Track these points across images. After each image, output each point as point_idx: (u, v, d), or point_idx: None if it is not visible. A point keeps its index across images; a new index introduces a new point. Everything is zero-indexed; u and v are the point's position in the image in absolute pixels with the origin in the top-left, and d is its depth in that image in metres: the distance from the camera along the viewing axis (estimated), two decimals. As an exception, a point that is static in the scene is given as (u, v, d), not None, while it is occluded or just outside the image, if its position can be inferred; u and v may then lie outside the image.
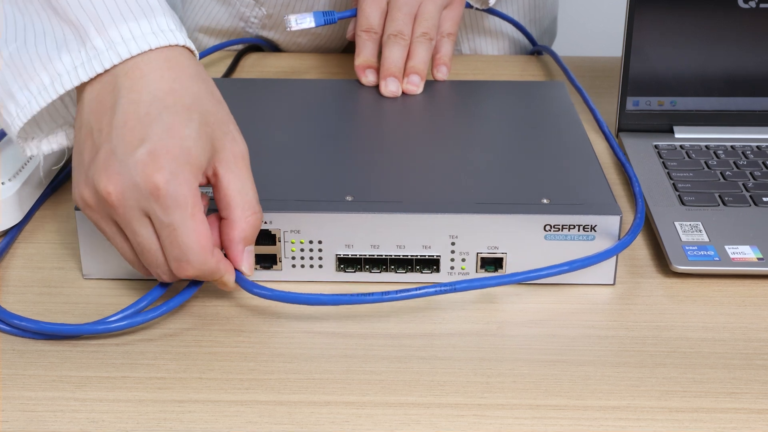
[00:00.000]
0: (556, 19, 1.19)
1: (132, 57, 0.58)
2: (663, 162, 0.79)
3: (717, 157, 0.80)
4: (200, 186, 0.57)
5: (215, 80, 0.74)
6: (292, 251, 0.64)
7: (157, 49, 0.58)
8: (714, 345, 0.59)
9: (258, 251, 0.64)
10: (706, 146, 0.82)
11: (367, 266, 0.65)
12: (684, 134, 0.84)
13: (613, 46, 0.98)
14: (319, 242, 0.64)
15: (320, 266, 0.65)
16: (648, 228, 0.72)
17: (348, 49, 1.12)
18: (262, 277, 0.65)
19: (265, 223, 0.64)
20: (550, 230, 0.63)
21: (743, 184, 0.75)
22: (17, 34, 0.60)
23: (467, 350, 0.59)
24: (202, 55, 1.04)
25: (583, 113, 0.87)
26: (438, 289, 0.60)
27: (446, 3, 0.91)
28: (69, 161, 0.80)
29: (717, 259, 0.66)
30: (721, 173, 0.77)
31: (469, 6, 1.01)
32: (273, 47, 1.12)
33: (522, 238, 0.64)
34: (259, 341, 0.60)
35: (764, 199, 0.73)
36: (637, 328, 0.61)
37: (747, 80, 0.84)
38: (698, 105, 0.85)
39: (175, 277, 0.59)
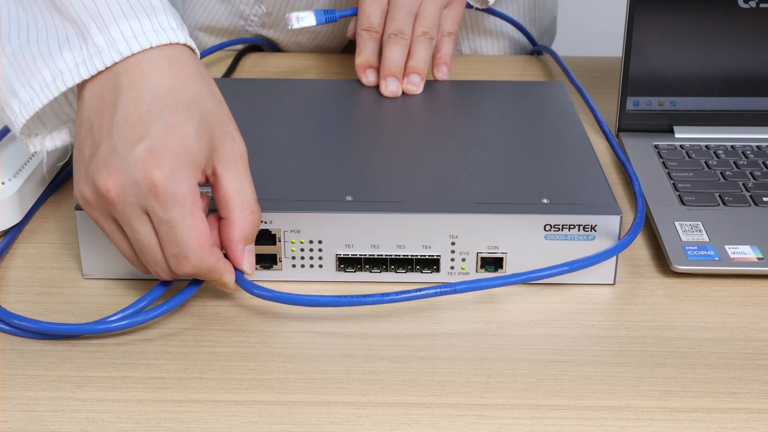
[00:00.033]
0: (555, 18, 1.19)
1: (133, 55, 0.58)
2: (663, 162, 0.79)
3: (717, 157, 0.80)
4: (200, 186, 0.57)
5: (215, 80, 0.74)
6: (292, 251, 0.64)
7: (158, 47, 0.58)
8: (714, 345, 0.59)
9: (258, 251, 0.64)
10: (706, 146, 0.82)
11: (367, 266, 0.65)
12: (684, 134, 0.84)
13: (613, 46, 0.98)
14: (319, 242, 0.64)
15: (320, 266, 0.65)
16: (648, 228, 0.72)
17: (348, 48, 1.12)
18: (262, 276, 0.65)
19: (265, 222, 0.64)
20: (550, 230, 0.63)
21: (743, 184, 0.75)
22: (20, 32, 0.60)
23: (467, 350, 0.59)
24: (203, 55, 1.04)
25: (583, 113, 0.87)
26: (438, 290, 0.60)
27: (447, 2, 0.91)
28: (70, 160, 0.80)
29: (717, 259, 0.66)
30: (721, 173, 0.77)
31: (469, 6, 1.01)
32: (273, 47, 1.12)
33: (522, 238, 0.64)
34: (259, 341, 0.60)
35: (764, 199, 0.73)
36: (637, 328, 0.61)
37: (747, 80, 0.84)
38: (698, 105, 0.85)
39: (173, 275, 0.59)
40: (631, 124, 0.85)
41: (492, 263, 0.65)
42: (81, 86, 0.60)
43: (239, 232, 0.59)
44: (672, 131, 0.85)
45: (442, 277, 0.65)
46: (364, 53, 0.88)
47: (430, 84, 0.88)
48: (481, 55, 1.11)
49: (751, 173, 0.77)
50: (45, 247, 0.70)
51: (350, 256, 0.64)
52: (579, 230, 0.63)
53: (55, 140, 0.65)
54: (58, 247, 0.70)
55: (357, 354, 0.59)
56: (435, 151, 0.73)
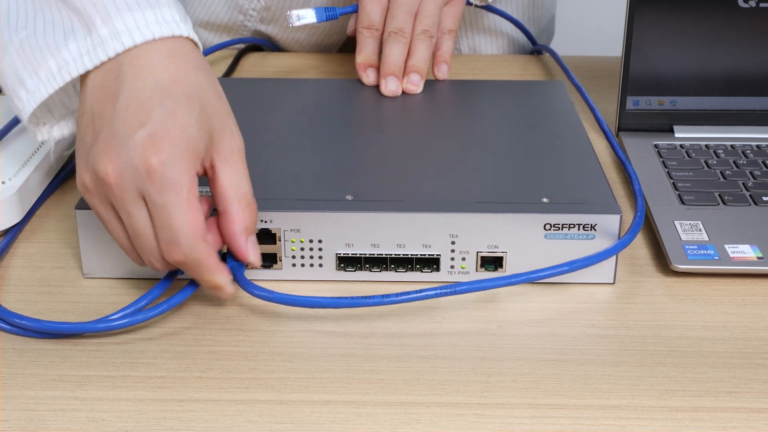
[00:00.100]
0: (554, 18, 1.20)
1: (136, 46, 0.59)
2: (663, 161, 0.79)
3: (717, 156, 0.80)
4: (199, 188, 0.58)
5: (215, 79, 0.74)
6: (293, 250, 0.64)
7: (161, 39, 0.59)
8: (714, 344, 0.60)
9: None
10: (706, 145, 0.82)
11: (367, 265, 0.65)
12: (684, 134, 0.84)
13: (613, 46, 0.98)
14: (320, 241, 0.64)
15: (320, 265, 0.65)
16: (648, 227, 0.72)
17: (347, 45, 1.12)
18: (262, 276, 0.65)
19: (265, 222, 0.64)
20: (550, 229, 0.63)
21: (743, 184, 0.75)
22: (27, 23, 0.61)
23: (467, 349, 0.59)
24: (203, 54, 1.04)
25: (583, 113, 0.87)
26: (438, 291, 0.60)
27: (447, 0, 0.91)
28: (70, 159, 0.80)
29: (717, 258, 0.66)
30: (721, 172, 0.77)
31: (468, 3, 1.01)
32: (273, 46, 1.12)
33: (522, 237, 0.64)
34: (259, 340, 0.60)
35: (764, 198, 0.73)
36: (637, 327, 0.61)
37: (747, 80, 0.84)
38: (698, 104, 0.85)
39: (166, 265, 0.59)
40: (631, 123, 0.85)
41: (492, 262, 0.65)
42: (84, 76, 0.60)
43: (239, 224, 0.59)
44: (672, 131, 0.85)
45: (442, 276, 0.65)
46: (365, 51, 0.88)
47: (430, 84, 0.88)
48: (481, 54, 1.11)
49: (750, 173, 0.77)
50: (45, 246, 0.70)
51: (350, 255, 0.64)
52: (579, 229, 0.63)
53: (62, 129, 0.66)
54: (58, 247, 0.70)
55: (357, 353, 0.59)
56: (435, 150, 0.73)
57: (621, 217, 0.63)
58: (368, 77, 0.87)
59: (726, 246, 0.67)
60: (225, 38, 1.11)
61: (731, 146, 0.81)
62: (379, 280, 0.65)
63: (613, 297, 0.64)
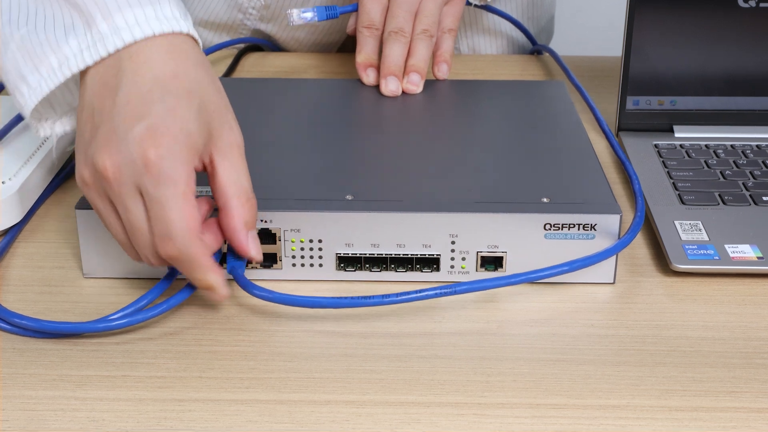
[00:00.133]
0: (553, 17, 1.20)
1: (136, 42, 0.59)
2: (663, 161, 0.79)
3: (717, 156, 0.80)
4: (199, 188, 0.58)
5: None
6: (293, 250, 0.64)
7: (161, 35, 0.59)
8: (714, 344, 0.60)
9: (258, 250, 0.64)
10: (706, 145, 0.82)
11: (367, 265, 0.65)
12: (684, 133, 0.84)
13: (613, 46, 0.98)
14: (320, 241, 0.64)
15: (320, 265, 0.65)
16: (648, 227, 0.72)
17: (346, 45, 1.12)
18: (262, 276, 0.65)
19: (265, 222, 0.64)
20: (550, 229, 0.63)
21: (743, 184, 0.75)
22: (29, 19, 0.61)
23: (467, 349, 0.59)
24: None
25: (583, 113, 0.87)
26: (438, 291, 0.60)
27: (446, -1, 0.91)
28: (72, 157, 0.80)
29: (717, 258, 0.66)
30: (721, 172, 0.77)
31: (468, 3, 1.01)
32: (273, 46, 1.12)
33: (522, 237, 0.64)
34: (259, 340, 0.60)
35: (764, 198, 0.73)
36: (637, 327, 0.61)
37: (747, 80, 0.84)
38: (698, 104, 0.85)
39: (160, 260, 0.59)
40: (631, 123, 0.85)
41: (492, 262, 0.65)
42: (84, 72, 0.60)
43: (239, 219, 0.59)
44: (672, 130, 0.85)
45: (442, 276, 0.65)
46: (365, 51, 0.88)
47: (430, 84, 0.88)
48: (481, 54, 1.11)
49: (750, 172, 0.77)
50: (45, 246, 0.70)
51: (350, 255, 0.64)
52: (579, 229, 0.63)
53: (65, 125, 0.66)
54: (58, 247, 0.70)
55: (357, 353, 0.59)
56: (435, 150, 0.73)
57: (621, 217, 0.63)
58: (368, 77, 0.87)
59: (726, 246, 0.67)
60: (224, 37, 1.11)
61: (731, 146, 0.81)
62: (379, 280, 0.65)
63: (613, 297, 0.64)
